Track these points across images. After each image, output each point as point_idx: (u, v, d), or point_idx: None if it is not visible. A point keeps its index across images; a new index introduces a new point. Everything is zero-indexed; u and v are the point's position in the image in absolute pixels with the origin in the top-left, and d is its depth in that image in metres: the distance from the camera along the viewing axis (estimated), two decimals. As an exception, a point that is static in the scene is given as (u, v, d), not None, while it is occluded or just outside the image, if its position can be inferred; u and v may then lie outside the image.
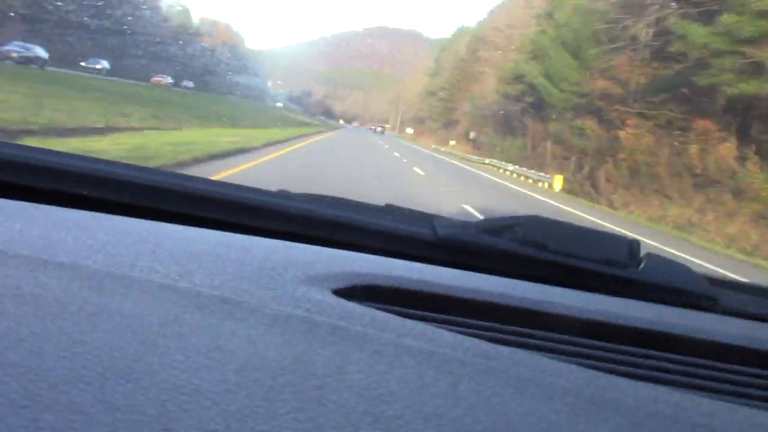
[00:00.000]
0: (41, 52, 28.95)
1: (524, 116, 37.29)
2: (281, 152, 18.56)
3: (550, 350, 0.72)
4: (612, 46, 27.51)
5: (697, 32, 20.60)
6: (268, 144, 20.12)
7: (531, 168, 32.84)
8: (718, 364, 0.78)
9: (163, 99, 30.98)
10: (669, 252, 12.04)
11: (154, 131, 16.62)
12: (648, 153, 24.05)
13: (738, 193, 19.63)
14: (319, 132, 44.82)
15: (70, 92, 20.82)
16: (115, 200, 0.95)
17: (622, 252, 1.05)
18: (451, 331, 0.68)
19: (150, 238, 0.77)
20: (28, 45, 28.41)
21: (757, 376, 0.77)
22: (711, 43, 19.91)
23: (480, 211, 12.46)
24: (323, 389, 0.48)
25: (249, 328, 0.56)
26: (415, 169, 23.65)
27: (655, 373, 0.72)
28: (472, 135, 52.41)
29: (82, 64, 34.92)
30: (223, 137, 18.19)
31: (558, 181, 28.68)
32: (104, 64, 37.52)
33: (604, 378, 0.63)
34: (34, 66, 27.90)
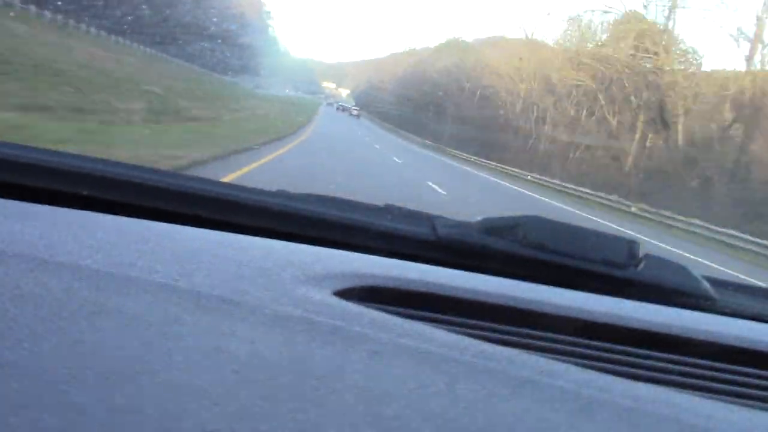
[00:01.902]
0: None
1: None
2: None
3: (550, 350, 0.72)
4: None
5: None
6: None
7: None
8: (718, 365, 0.78)
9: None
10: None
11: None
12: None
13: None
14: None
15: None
16: (115, 200, 0.95)
17: (621, 252, 1.05)
18: (451, 331, 0.68)
19: (150, 238, 0.77)
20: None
21: (757, 377, 0.77)
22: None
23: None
24: (323, 389, 0.48)
25: (249, 328, 0.56)
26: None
27: (654, 374, 0.72)
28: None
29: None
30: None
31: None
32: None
33: (603, 378, 0.63)
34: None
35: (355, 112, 56.70)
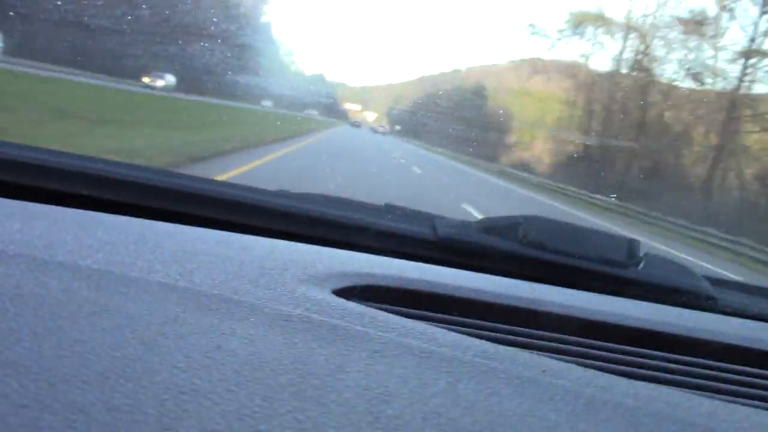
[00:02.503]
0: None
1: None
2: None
3: (551, 350, 0.72)
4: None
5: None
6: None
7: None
8: (719, 364, 0.78)
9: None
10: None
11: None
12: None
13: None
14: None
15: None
16: (115, 200, 0.95)
17: (621, 252, 1.05)
18: (451, 330, 0.68)
19: (150, 238, 0.77)
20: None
21: (757, 376, 0.77)
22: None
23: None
24: (323, 389, 0.48)
25: (249, 327, 0.56)
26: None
27: (655, 373, 0.72)
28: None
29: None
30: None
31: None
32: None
33: (604, 378, 0.63)
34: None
35: (380, 130, 48.69)
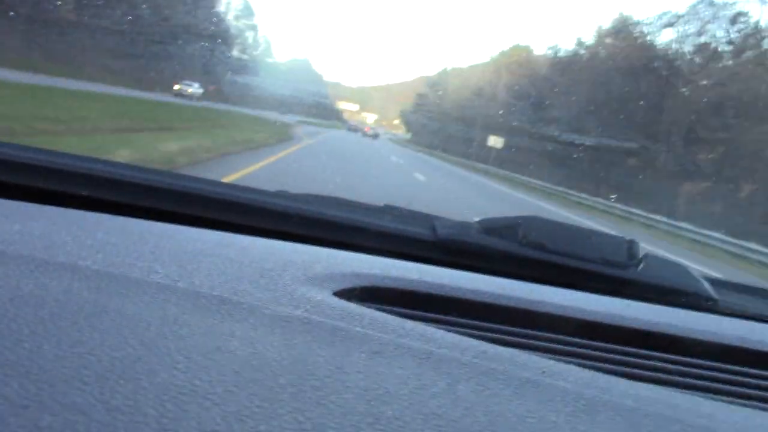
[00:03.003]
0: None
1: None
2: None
3: (551, 351, 0.72)
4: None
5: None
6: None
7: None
8: (718, 365, 0.79)
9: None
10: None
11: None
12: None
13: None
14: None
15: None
16: (115, 200, 0.95)
17: (621, 253, 1.05)
18: (451, 331, 0.68)
19: (150, 238, 0.77)
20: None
21: (757, 377, 0.77)
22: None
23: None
24: (323, 389, 0.48)
25: (248, 328, 0.56)
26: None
27: (654, 374, 0.72)
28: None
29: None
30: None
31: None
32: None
33: (604, 378, 0.63)
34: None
35: (369, 133, 45.98)
